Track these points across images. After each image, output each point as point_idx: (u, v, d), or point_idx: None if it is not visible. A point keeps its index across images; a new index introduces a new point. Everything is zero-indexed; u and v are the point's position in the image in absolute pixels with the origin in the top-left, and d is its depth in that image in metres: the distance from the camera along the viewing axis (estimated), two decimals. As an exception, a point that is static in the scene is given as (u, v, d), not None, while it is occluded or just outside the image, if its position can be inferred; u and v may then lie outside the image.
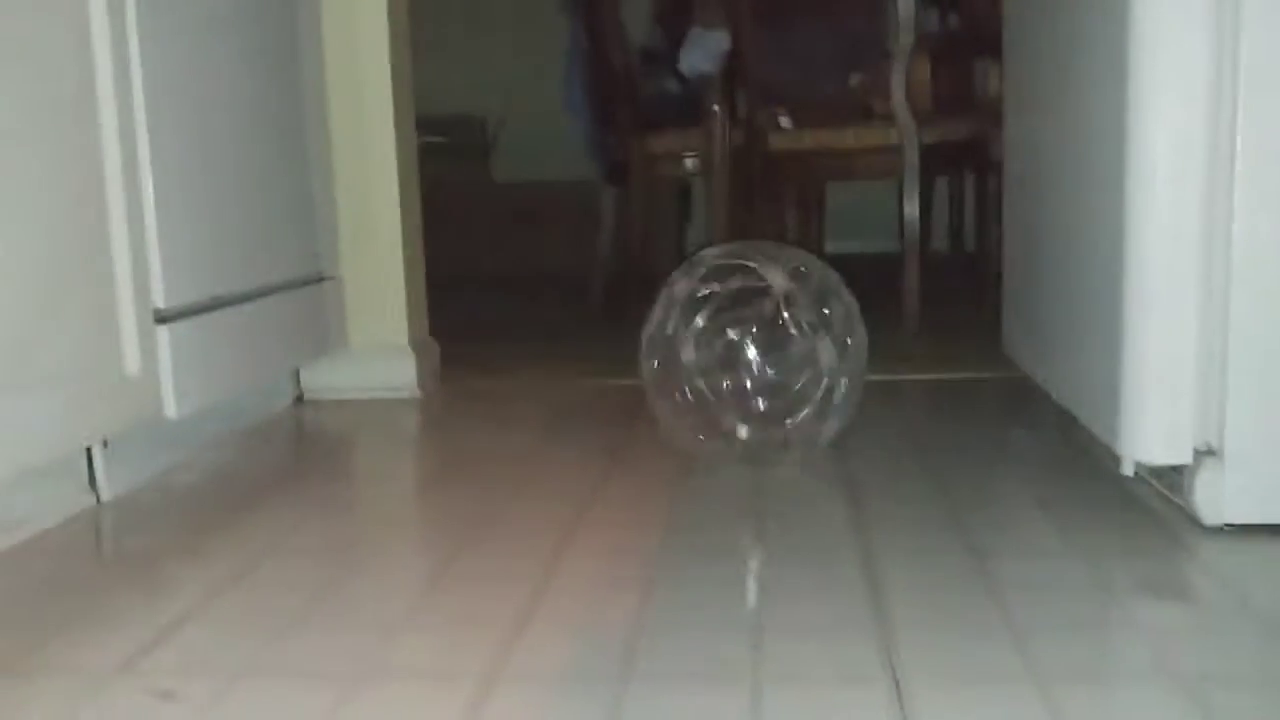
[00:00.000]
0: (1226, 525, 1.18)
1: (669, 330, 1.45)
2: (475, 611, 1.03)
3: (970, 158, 2.71)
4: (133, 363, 1.34)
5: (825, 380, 1.42)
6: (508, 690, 0.87)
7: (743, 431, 1.42)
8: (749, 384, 1.41)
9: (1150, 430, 1.21)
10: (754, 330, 1.42)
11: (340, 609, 1.04)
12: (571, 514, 1.30)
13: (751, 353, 1.41)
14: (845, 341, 1.45)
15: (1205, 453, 1.18)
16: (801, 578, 1.09)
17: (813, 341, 1.42)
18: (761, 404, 1.42)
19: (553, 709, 0.84)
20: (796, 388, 1.42)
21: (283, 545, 1.22)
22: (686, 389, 1.43)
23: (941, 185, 3.71)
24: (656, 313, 1.48)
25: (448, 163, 3.98)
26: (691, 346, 1.42)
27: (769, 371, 1.41)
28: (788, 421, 1.43)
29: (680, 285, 1.47)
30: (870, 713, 0.82)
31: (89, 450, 1.36)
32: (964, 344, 2.33)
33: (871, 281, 3.27)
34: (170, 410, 1.40)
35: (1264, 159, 1.13)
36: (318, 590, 1.09)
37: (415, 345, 2.05)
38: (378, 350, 2.03)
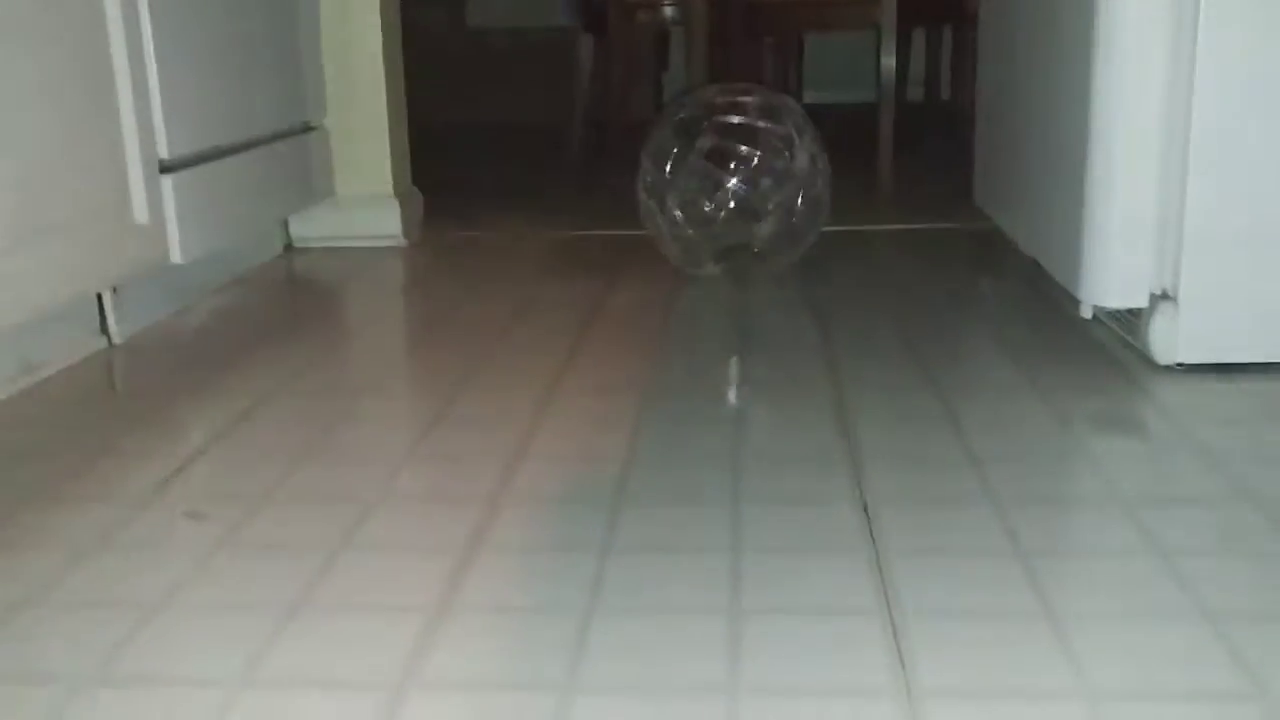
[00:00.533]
0: (1178, 365, 1.26)
1: (659, 159, 1.66)
2: (476, 447, 1.10)
3: (947, 9, 2.72)
4: (140, 211, 1.39)
5: (796, 200, 1.65)
6: (513, 511, 0.95)
7: (719, 243, 1.66)
8: (727, 203, 1.64)
9: (1110, 275, 1.28)
10: (733, 157, 1.63)
11: (349, 444, 1.12)
12: (560, 357, 1.37)
13: (732, 181, 1.62)
14: (814, 167, 1.68)
15: (1161, 297, 1.26)
16: (778, 414, 1.17)
17: (786, 165, 1.62)
18: (737, 218, 1.64)
19: (556, 525, 0.92)
20: (770, 206, 1.62)
21: (288, 386, 1.29)
22: (674, 211, 1.65)
23: (919, 36, 3.71)
24: (649, 146, 1.69)
25: (421, 9, 3.93)
26: (679, 175, 1.64)
27: (744, 191, 1.63)
28: (760, 234, 1.65)
29: (668, 123, 1.66)
30: (840, 529, 0.90)
31: (99, 297, 1.42)
32: (936, 194, 2.38)
33: (847, 131, 3.30)
34: (176, 256, 1.45)
35: (1225, 15, 1.17)
36: (325, 427, 1.16)
37: (399, 194, 2.09)
38: (363, 199, 2.07)
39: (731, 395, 1.23)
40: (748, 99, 1.66)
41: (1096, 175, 1.27)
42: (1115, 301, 1.29)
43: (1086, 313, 1.43)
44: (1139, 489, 0.97)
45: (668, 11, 2.83)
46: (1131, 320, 1.33)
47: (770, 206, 1.60)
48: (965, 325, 1.48)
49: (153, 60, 1.41)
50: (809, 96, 3.89)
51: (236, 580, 0.84)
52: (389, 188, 2.07)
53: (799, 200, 1.63)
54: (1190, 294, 1.23)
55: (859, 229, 2.12)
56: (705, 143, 1.62)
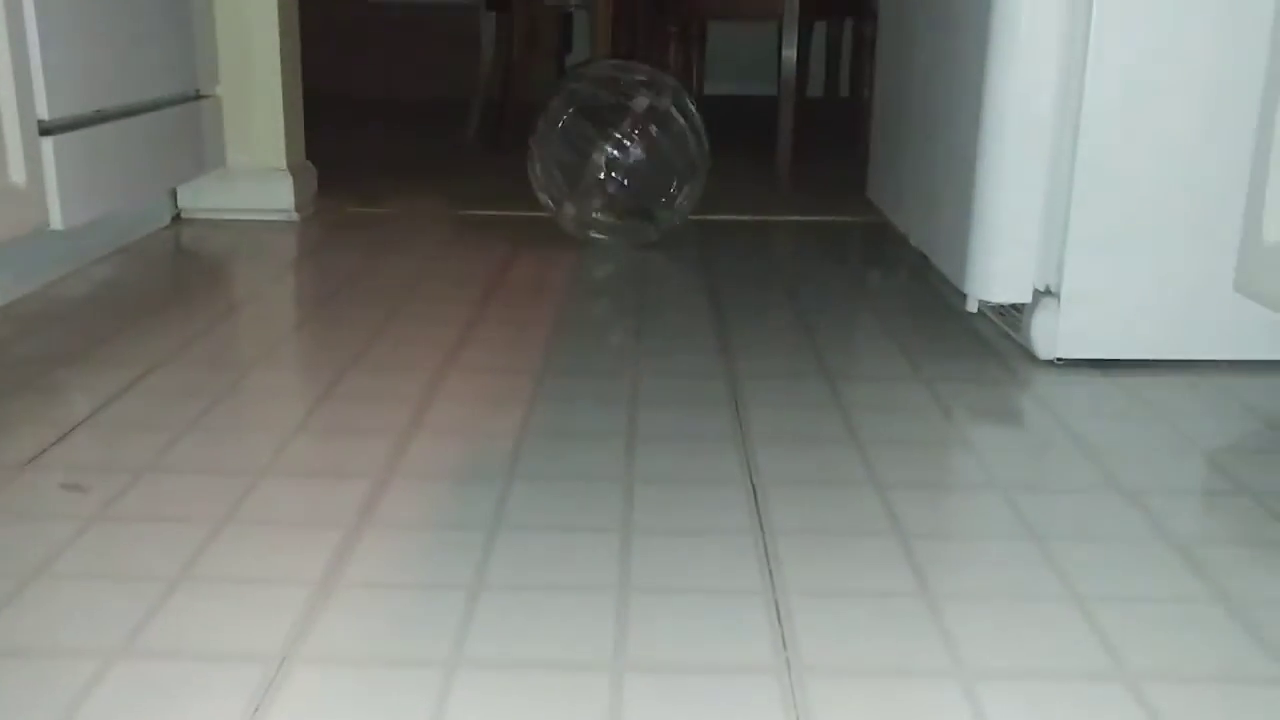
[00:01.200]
0: (1058, 359, 1.30)
1: (548, 131, 1.79)
2: (365, 422, 1.09)
3: (848, 5, 2.76)
4: (18, 173, 1.34)
5: (675, 173, 1.78)
6: (402, 486, 0.94)
7: (603, 214, 1.81)
8: (610, 175, 1.77)
9: (995, 271, 1.31)
10: (614, 132, 1.76)
11: (235, 416, 1.10)
12: (455, 334, 1.36)
13: (612, 150, 1.76)
14: (692, 145, 1.81)
15: (1044, 293, 1.30)
16: (671, 394, 1.18)
17: (666, 142, 1.75)
18: (620, 189, 1.78)
19: (446, 501, 0.91)
20: (651, 177, 1.77)
21: (174, 357, 1.26)
22: (559, 180, 1.80)
23: (820, 32, 3.75)
24: (542, 118, 1.79)
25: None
26: (562, 147, 1.77)
27: (626, 163, 1.77)
28: (655, 203, 1.78)
29: (559, 97, 1.79)
30: (729, 509, 0.91)
31: (-28, 259, 1.37)
32: (833, 189, 2.42)
33: (747, 124, 3.32)
34: (56, 221, 1.40)
35: (1114, 25, 1.21)
36: (212, 400, 1.14)
37: (292, 168, 2.05)
38: (254, 172, 2.03)
39: (626, 378, 1.23)
40: (634, 74, 1.78)
41: (985, 172, 1.31)
42: (999, 296, 1.33)
43: (972, 306, 1.46)
44: (1015, 476, 1.00)
45: (572, -6, 2.82)
46: (1015, 315, 1.37)
47: (648, 166, 1.76)
48: (855, 315, 1.51)
49: (32, 13, 1.36)
50: (710, 88, 3.91)
51: (115, 552, 0.82)
52: (282, 160, 2.03)
53: (677, 161, 1.79)
54: (1072, 291, 1.27)
55: (756, 219, 2.15)
56: (587, 112, 1.75)
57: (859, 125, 2.80)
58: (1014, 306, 1.37)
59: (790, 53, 2.42)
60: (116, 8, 1.58)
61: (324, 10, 3.23)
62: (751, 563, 0.83)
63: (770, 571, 0.81)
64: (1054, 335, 1.29)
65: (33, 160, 1.36)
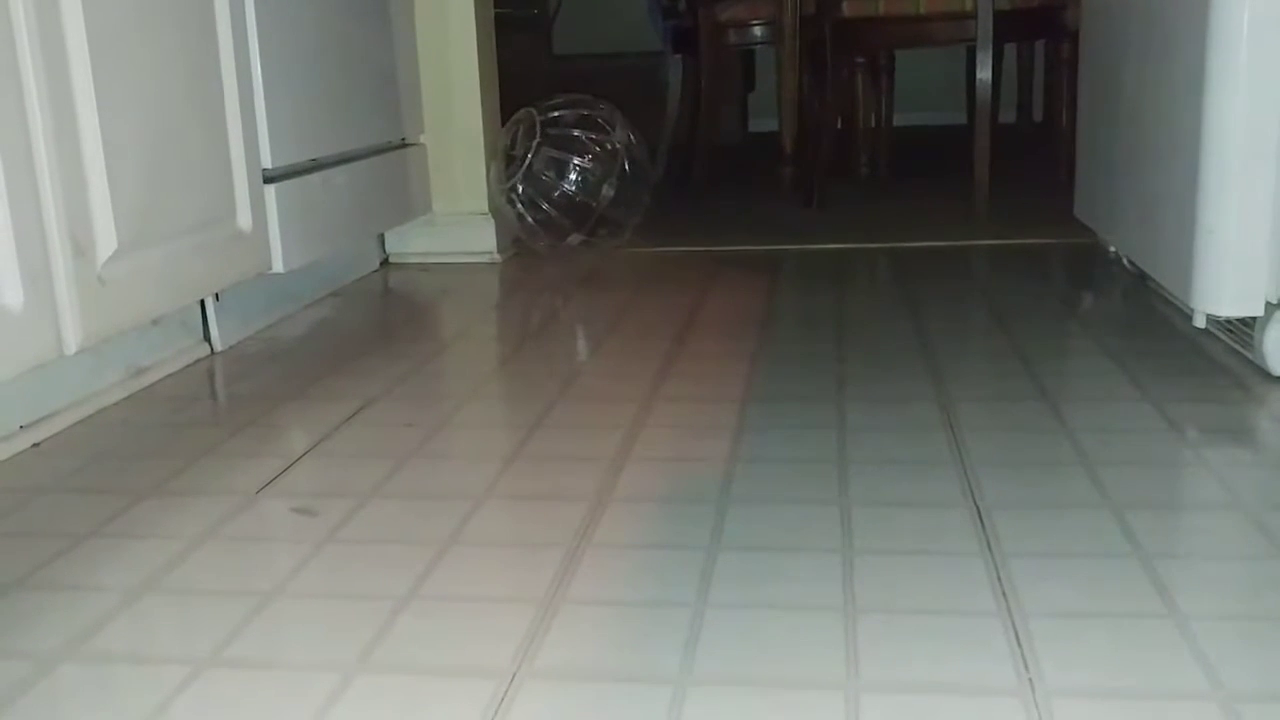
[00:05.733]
0: (1294, 375, 1.22)
1: (516, 167, 2.01)
2: (578, 449, 1.10)
3: (1042, 26, 2.68)
4: (245, 219, 1.41)
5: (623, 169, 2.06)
6: (619, 509, 0.94)
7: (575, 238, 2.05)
8: (569, 197, 2.01)
9: (1224, 283, 1.24)
10: (569, 162, 2.01)
11: (451, 446, 1.12)
12: (657, 365, 1.37)
13: (572, 176, 2.01)
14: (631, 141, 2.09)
15: (1276, 306, 1.22)
16: (883, 421, 1.15)
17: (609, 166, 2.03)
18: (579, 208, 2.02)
19: (663, 523, 0.91)
20: (604, 194, 2.02)
21: (389, 392, 1.30)
22: (527, 211, 2.03)
23: (1009, 59, 3.66)
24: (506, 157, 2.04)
25: (509, 35, 3.96)
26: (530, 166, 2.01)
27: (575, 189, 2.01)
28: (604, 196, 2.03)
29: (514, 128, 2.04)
30: (953, 531, 0.88)
31: (202, 304, 1.45)
32: (1032, 213, 2.35)
33: (938, 153, 3.26)
34: (279, 264, 1.47)
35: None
36: (428, 430, 1.17)
37: (494, 211, 2.10)
38: (459, 216, 2.09)
39: (834, 406, 1.21)
40: (570, 104, 2.05)
41: (1209, 182, 1.24)
42: (1229, 310, 1.26)
43: (1199, 321, 1.39)
44: (1259, 495, 0.93)
45: (758, 31, 2.83)
46: (1244, 330, 1.30)
47: (609, 179, 2.02)
48: (1070, 335, 1.45)
49: (259, 73, 1.44)
50: (899, 119, 3.86)
51: (347, 571, 0.85)
52: (484, 205, 2.09)
53: (625, 168, 2.05)
54: (1309, 302, 1.19)
55: (957, 244, 2.10)
56: (544, 139, 2.00)
57: (1057, 148, 2.71)
58: (1243, 321, 1.29)
59: (985, 74, 2.37)
60: (330, 65, 1.66)
61: (513, 66, 3.33)
62: (983, 585, 0.79)
63: (1004, 593, 0.78)
64: (1290, 350, 1.21)
65: (258, 207, 1.44)
